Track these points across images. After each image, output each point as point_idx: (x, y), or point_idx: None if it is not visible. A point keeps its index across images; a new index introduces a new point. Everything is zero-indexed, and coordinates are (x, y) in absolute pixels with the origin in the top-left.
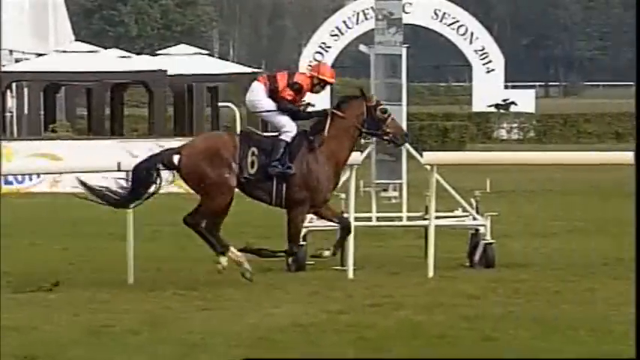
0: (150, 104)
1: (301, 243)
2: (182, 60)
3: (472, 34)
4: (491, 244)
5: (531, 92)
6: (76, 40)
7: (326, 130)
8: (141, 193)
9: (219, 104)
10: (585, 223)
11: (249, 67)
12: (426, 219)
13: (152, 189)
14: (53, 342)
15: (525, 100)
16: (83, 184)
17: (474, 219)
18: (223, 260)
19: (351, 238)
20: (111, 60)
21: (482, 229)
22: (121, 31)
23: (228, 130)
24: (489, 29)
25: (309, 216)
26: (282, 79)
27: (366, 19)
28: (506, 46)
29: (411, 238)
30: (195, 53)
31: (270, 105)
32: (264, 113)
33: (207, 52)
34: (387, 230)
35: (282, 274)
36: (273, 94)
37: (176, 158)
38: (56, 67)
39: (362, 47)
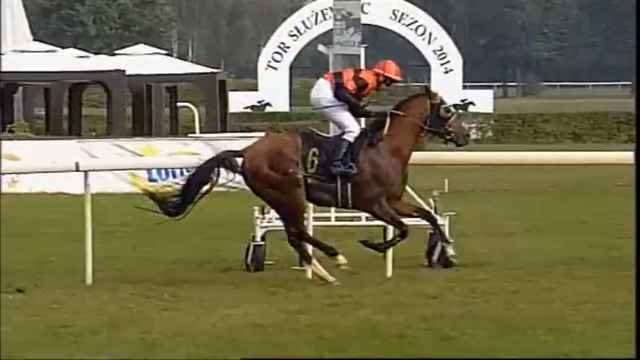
0: (108, 104)
1: (259, 243)
2: (141, 60)
3: (430, 34)
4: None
5: (489, 92)
6: (34, 39)
7: (386, 129)
8: (194, 195)
9: (178, 104)
10: (543, 223)
11: (208, 67)
12: None
13: (205, 188)
14: (11, 343)
15: (483, 100)
16: (147, 193)
17: None
18: (341, 258)
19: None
20: (69, 60)
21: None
22: (79, 31)
23: (289, 132)
24: (448, 30)
25: (269, 215)
26: (347, 74)
27: (325, 19)
28: (465, 47)
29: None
30: (154, 53)
31: (335, 102)
32: (326, 110)
33: (165, 52)
34: (346, 230)
35: (241, 274)
36: (337, 89)
37: (239, 161)
38: (14, 67)
39: (321, 47)
